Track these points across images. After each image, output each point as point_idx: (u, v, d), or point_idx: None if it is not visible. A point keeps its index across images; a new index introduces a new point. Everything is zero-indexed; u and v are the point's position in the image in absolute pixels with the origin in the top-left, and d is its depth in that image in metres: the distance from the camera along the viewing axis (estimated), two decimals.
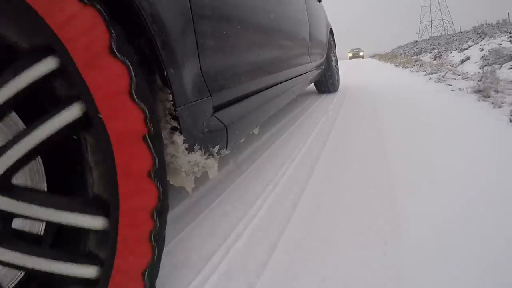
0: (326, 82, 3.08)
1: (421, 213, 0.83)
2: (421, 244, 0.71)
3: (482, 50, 5.34)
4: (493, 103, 1.83)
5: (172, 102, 0.59)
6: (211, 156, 0.71)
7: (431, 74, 3.85)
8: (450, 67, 4.71)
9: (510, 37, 6.03)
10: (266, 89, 1.14)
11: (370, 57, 23.24)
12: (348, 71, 6.84)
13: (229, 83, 0.82)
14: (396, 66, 6.70)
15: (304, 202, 0.96)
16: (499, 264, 0.63)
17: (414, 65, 5.56)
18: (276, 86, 1.26)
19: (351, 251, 0.72)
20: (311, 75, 2.25)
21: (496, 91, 2.11)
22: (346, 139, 1.55)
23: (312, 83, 3.07)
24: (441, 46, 9.54)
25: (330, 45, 3.15)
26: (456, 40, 10.23)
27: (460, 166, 1.08)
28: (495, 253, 0.66)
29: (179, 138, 0.62)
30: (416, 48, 12.11)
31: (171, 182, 0.68)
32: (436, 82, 3.15)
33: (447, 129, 1.51)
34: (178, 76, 0.59)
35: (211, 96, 0.71)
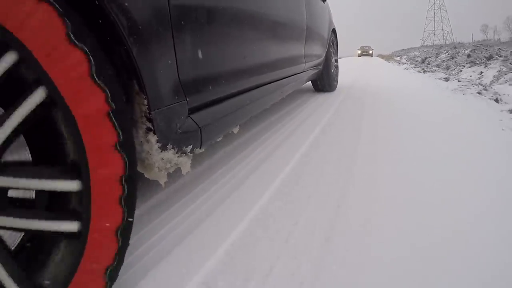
0: (323, 82, 3.12)
1: None
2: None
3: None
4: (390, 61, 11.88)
5: (147, 106, 0.65)
6: (184, 154, 0.78)
7: (389, 61, 14.03)
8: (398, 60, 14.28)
9: (419, 51, 12.71)
10: (249, 90, 1.19)
11: (376, 56, 31.25)
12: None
13: (208, 86, 0.87)
14: (382, 58, 17.46)
15: None
16: None
17: (390, 60, 14.83)
18: (261, 88, 1.30)
19: None
20: (305, 75, 2.29)
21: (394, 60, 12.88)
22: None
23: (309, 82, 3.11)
24: (405, 53, 16.83)
25: (332, 45, 3.18)
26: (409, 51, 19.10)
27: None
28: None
29: (153, 138, 0.69)
30: (399, 54, 21.38)
31: (145, 176, 0.76)
32: (388, 62, 12.69)
33: (387, 68, 8.29)
34: (153, 82, 0.66)
35: (186, 100, 0.77)
